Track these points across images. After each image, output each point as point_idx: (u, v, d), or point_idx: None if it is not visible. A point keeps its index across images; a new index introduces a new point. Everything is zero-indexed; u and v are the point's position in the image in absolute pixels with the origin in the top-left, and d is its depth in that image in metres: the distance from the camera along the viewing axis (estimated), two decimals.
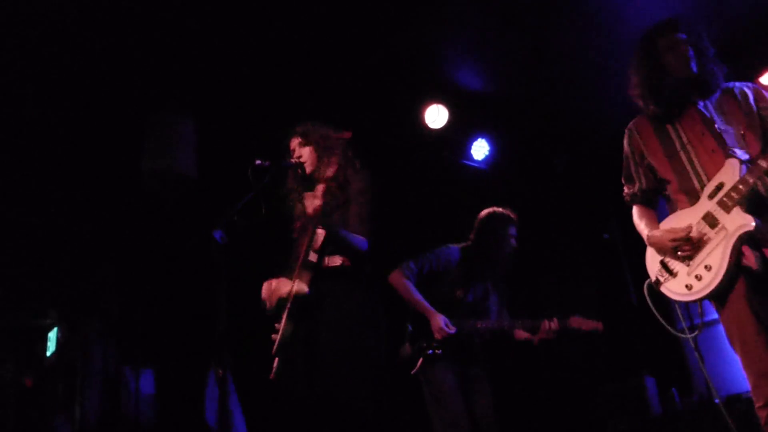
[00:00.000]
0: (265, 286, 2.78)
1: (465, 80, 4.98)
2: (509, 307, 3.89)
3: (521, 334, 3.72)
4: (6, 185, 4.74)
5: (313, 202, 2.52)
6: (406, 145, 5.07)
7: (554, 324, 3.57)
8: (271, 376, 2.61)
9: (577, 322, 3.59)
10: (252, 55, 4.34)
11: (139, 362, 5.14)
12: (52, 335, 6.46)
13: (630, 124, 2.55)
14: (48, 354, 6.50)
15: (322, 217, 2.53)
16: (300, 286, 2.57)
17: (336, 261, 2.66)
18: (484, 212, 3.81)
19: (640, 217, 2.53)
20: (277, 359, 2.61)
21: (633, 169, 2.53)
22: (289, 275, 2.70)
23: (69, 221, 5.18)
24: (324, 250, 2.61)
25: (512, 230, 3.75)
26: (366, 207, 2.71)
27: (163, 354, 5.17)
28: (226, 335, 2.32)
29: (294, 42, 4.28)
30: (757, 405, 2.12)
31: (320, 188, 2.53)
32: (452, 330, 3.45)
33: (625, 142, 2.56)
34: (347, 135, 2.81)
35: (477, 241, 3.74)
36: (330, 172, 2.75)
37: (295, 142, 2.87)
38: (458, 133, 5.34)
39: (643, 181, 2.51)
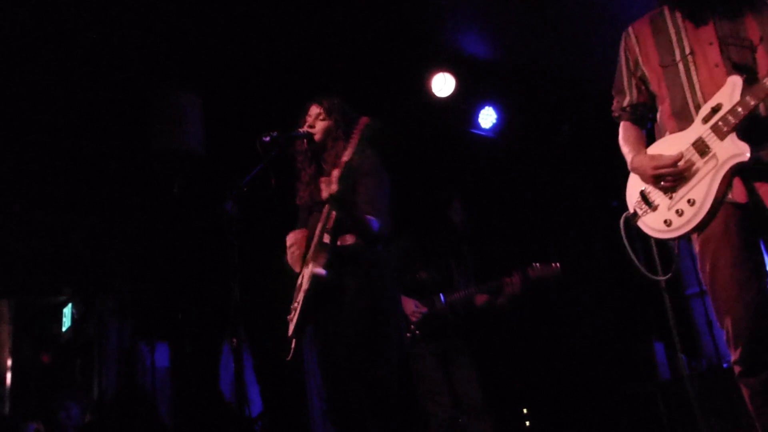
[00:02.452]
0: (290, 236, 2.78)
1: (471, 48, 4.92)
2: (475, 275, 3.95)
3: (481, 298, 3.76)
4: (19, 166, 4.77)
5: (330, 187, 2.51)
6: (413, 114, 5.03)
7: (515, 279, 3.65)
8: (288, 357, 2.64)
9: (536, 270, 3.67)
10: (256, 27, 4.30)
11: (153, 336, 5.22)
12: (67, 311, 6.57)
13: (629, 27, 2.19)
14: (64, 329, 6.61)
15: (334, 202, 2.52)
16: (316, 268, 2.58)
17: (348, 240, 2.68)
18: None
19: (626, 137, 2.22)
20: (294, 341, 2.63)
21: (625, 79, 2.20)
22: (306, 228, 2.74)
23: (79, 199, 5.22)
24: (337, 231, 2.62)
25: (455, 204, 3.88)
26: (373, 188, 2.69)
27: (176, 327, 5.24)
28: (239, 306, 2.34)
29: (298, 12, 4.23)
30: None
31: (335, 173, 2.52)
32: (424, 309, 3.61)
33: (621, 47, 2.21)
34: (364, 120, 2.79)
35: (423, 222, 3.88)
36: (346, 156, 2.74)
37: (314, 110, 2.83)
38: (465, 102, 5.30)
39: (634, 93, 2.19)
